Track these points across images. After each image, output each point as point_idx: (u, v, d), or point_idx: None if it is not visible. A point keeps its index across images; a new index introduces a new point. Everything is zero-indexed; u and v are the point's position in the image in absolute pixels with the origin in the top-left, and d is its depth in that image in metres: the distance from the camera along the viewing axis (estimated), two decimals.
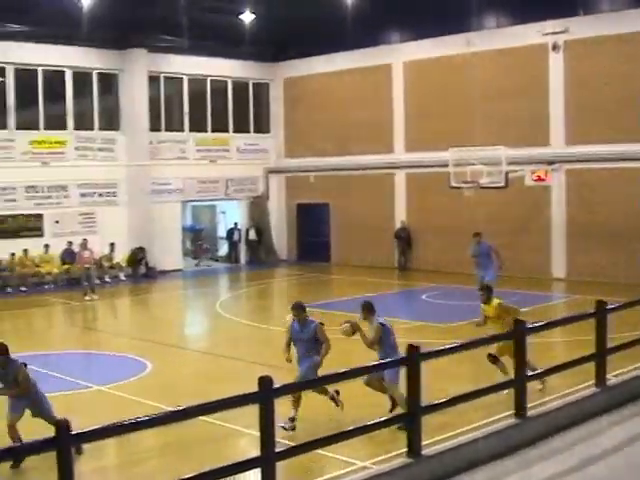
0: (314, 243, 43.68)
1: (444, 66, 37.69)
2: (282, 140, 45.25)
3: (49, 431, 8.52)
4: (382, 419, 12.05)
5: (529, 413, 13.27)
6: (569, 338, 21.28)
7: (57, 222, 37.70)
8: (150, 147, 40.31)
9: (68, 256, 36.37)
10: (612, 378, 15.90)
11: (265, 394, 9.90)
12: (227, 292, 37.71)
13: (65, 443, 8.17)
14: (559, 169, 34.57)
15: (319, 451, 12.22)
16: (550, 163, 34.65)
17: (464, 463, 11.70)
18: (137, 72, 39.63)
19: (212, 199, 44.50)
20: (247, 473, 10.58)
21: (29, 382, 13.80)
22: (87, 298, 32.55)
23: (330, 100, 42.20)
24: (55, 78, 38.15)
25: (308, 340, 15.17)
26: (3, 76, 36.83)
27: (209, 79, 43.04)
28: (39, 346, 24.26)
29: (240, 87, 44.29)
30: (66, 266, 36.51)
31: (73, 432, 8.23)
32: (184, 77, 42.21)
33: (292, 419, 14.64)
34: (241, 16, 38.40)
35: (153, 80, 40.71)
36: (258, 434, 9.98)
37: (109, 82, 40.13)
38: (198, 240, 46.17)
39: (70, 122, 38.54)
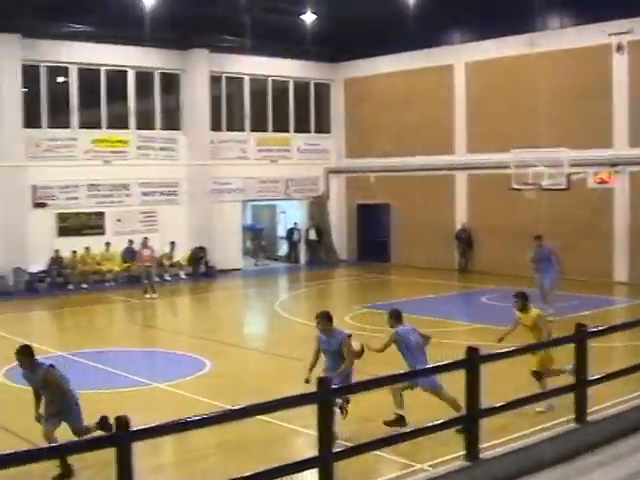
0: (374, 243, 43.59)
1: (507, 67, 37.40)
2: (343, 140, 45.23)
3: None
4: (440, 422, 11.97)
5: (589, 418, 13.11)
6: (630, 343, 21.02)
7: (118, 220, 38.02)
8: (211, 147, 40.51)
9: (129, 254, 36.68)
10: None
11: (324, 394, 9.88)
12: (286, 292, 37.76)
13: (125, 440, 8.20)
14: (622, 171, 34.16)
15: (377, 452, 12.19)
16: (613, 165, 34.24)
17: (522, 468, 11.59)
18: (199, 72, 39.86)
19: (272, 199, 44.58)
20: (304, 473, 10.57)
21: (61, 384, 13.53)
22: (147, 296, 32.79)
23: (391, 100, 42.08)
24: (118, 78, 38.48)
25: (335, 353, 14.42)
26: (66, 76, 37.23)
27: (270, 79, 43.14)
28: (100, 343, 24.50)
29: (301, 87, 44.37)
30: (127, 264, 36.81)
31: (132, 429, 8.27)
32: (245, 77, 42.35)
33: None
34: (302, 16, 38.40)
35: (215, 80, 40.92)
36: (316, 434, 9.97)
37: (171, 82, 40.41)
38: (257, 239, 46.27)
39: (132, 121, 38.87)
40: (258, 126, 42.70)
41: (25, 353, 13.39)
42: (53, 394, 13.34)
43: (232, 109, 42.59)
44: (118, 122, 38.53)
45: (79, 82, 37.40)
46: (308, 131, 44.76)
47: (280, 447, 14.31)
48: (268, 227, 47.94)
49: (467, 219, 39.28)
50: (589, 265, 33.81)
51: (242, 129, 42.32)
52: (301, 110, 44.35)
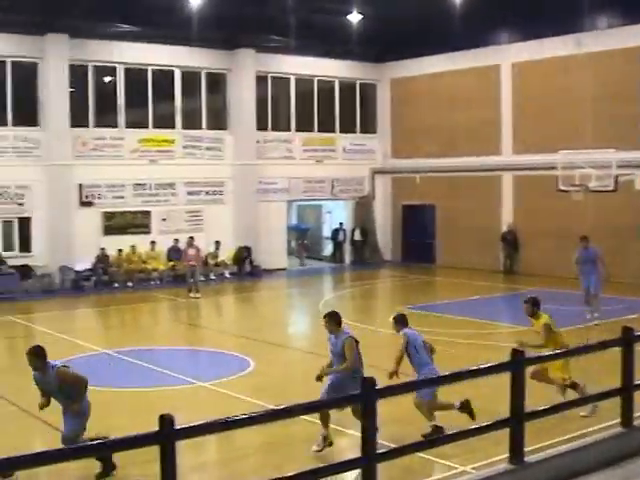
0: (419, 244, 43.44)
1: (553, 67, 37.13)
2: (389, 140, 45.14)
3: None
4: (484, 424, 11.89)
5: (635, 423, 12.96)
6: None
7: (164, 219, 38.20)
8: (257, 146, 40.60)
9: (174, 253, 36.84)
10: None
11: (368, 395, 9.85)
12: (331, 292, 37.71)
13: (169, 438, 8.22)
14: None
15: (420, 454, 12.14)
16: None
17: (567, 472, 11.48)
18: (245, 72, 39.96)
19: (318, 199, 44.59)
20: (347, 473, 10.55)
21: (79, 376, 13.09)
22: (192, 295, 32.89)
23: (437, 101, 41.95)
24: (164, 77, 38.68)
25: (339, 355, 13.98)
26: (114, 75, 37.48)
27: (316, 79, 43.16)
28: (144, 341, 24.63)
29: (347, 87, 44.34)
30: (172, 263, 36.96)
31: (177, 427, 8.28)
32: (291, 77, 42.40)
33: (325, 437, 13.73)
34: (349, 16, 38.33)
35: (261, 80, 40.98)
36: (359, 434, 9.94)
37: (217, 82, 40.55)
38: (302, 239, 46.24)
39: (178, 121, 39.05)
40: (304, 126, 42.74)
41: (36, 354, 12.90)
42: (72, 389, 12.91)
43: (278, 109, 42.64)
44: (164, 122, 38.72)
45: (126, 82, 37.63)
46: (354, 131, 44.72)
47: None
48: (313, 227, 47.93)
49: (513, 220, 39.04)
50: (636, 267, 33.47)
51: (288, 129, 42.37)
52: (347, 110, 44.32)
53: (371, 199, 44.96)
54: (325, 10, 37.64)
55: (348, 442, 14.16)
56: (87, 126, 36.73)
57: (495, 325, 25.67)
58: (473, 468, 12.64)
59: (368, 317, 29.06)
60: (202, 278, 35.54)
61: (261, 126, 40.90)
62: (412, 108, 43.41)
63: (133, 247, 36.62)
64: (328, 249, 46.79)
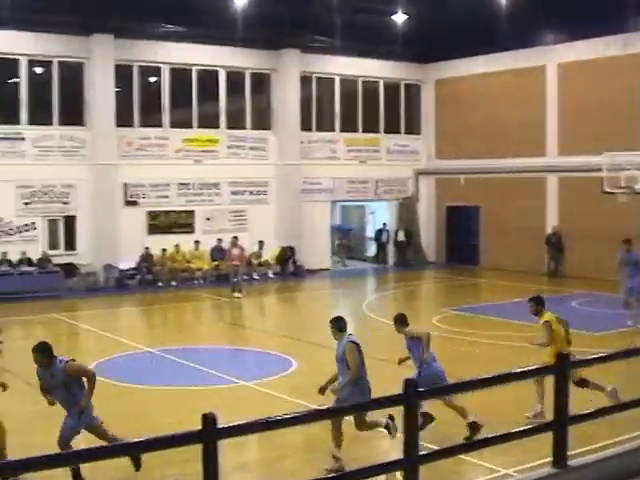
0: (463, 246, 43.24)
1: (600, 68, 36.82)
2: (433, 141, 45.00)
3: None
4: (528, 427, 11.81)
5: None
6: None
7: (208, 219, 38.34)
8: (301, 146, 40.63)
9: (218, 253, 36.96)
10: None
11: (410, 396, 9.80)
12: (374, 293, 37.67)
13: (211, 436, 8.22)
14: None
15: (462, 456, 12.07)
16: None
17: (612, 476, 11.35)
18: (290, 72, 40.01)
19: (361, 199, 44.54)
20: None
21: (86, 367, 13.10)
22: (235, 295, 32.95)
23: (482, 102, 41.73)
24: (209, 77, 38.82)
25: (339, 360, 13.59)
26: (158, 76, 37.67)
27: (360, 80, 43.12)
28: (187, 340, 24.71)
29: (391, 88, 44.24)
30: (215, 263, 37.08)
31: (219, 426, 8.28)
32: (336, 77, 42.39)
33: (337, 459, 13.15)
34: (393, 16, 38.22)
35: (305, 80, 41.02)
36: (401, 436, 9.90)
37: (262, 82, 40.62)
38: (343, 239, 46.14)
39: (223, 121, 39.18)
40: (348, 126, 42.71)
41: (42, 351, 12.63)
42: (77, 383, 12.73)
43: (322, 109, 42.64)
44: (209, 121, 38.86)
45: (171, 82, 37.84)
46: (398, 132, 44.62)
47: (366, 448, 14.25)
48: (357, 227, 47.90)
49: (558, 222, 38.76)
50: None
51: (332, 129, 42.36)
52: (391, 111, 44.22)
53: (415, 200, 44.84)
54: (370, 10, 37.57)
55: (390, 443, 14.12)
56: (132, 126, 36.97)
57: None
58: (515, 471, 12.56)
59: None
60: (245, 278, 35.60)
61: (305, 126, 40.94)
62: (456, 109, 43.24)
63: (177, 246, 36.79)
64: (371, 250, 46.70)
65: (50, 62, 35.44)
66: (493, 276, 38.81)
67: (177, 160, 37.55)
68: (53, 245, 35.26)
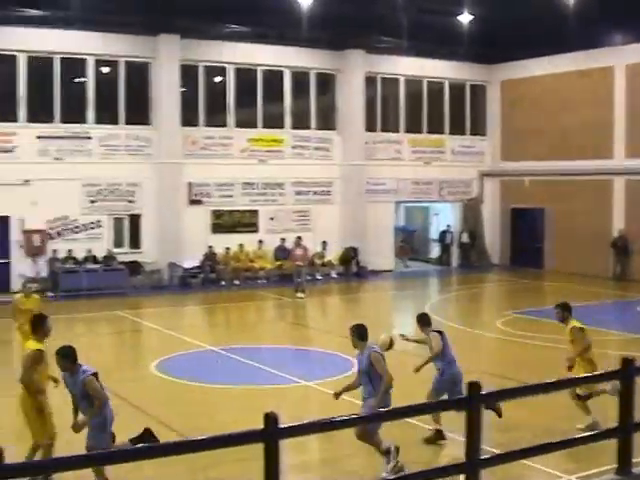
0: (527, 248, 42.81)
1: None
2: (498, 143, 44.64)
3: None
4: (592, 433, 11.63)
5: None
6: None
7: (272, 219, 38.41)
8: (365, 147, 40.54)
9: (281, 252, 37.04)
10: None
11: (472, 400, 9.70)
12: (437, 294, 37.49)
13: (273, 435, 8.20)
14: None
15: (524, 461, 11.92)
16: None
17: None
18: (354, 73, 39.96)
19: (425, 200, 44.35)
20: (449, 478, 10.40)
21: (101, 395, 11.89)
22: (298, 295, 32.95)
23: (548, 103, 41.31)
24: (274, 78, 38.89)
25: (363, 372, 13.01)
26: (224, 75, 37.82)
27: (426, 80, 42.93)
28: (250, 340, 24.76)
29: (457, 88, 43.99)
30: (279, 262, 37.14)
31: (281, 426, 8.25)
32: (401, 78, 42.25)
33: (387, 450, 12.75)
34: (459, 17, 37.95)
35: (370, 80, 40.95)
36: (462, 439, 9.79)
37: (326, 82, 40.61)
38: (406, 241, 45.94)
39: (287, 121, 39.24)
40: (412, 127, 42.55)
41: (63, 355, 11.96)
42: (92, 401, 11.88)
43: (387, 110, 42.53)
44: (273, 121, 38.95)
45: (236, 81, 37.97)
46: (463, 133, 44.37)
47: (425, 450, 14.15)
48: (421, 229, 47.69)
49: (624, 226, 38.24)
50: None
51: (396, 130, 42.22)
52: (456, 112, 43.97)
53: (479, 202, 44.54)
54: (435, 10, 37.33)
55: (451, 446, 14.00)
56: (197, 125, 37.19)
57: (602, 332, 25.10)
58: (578, 478, 12.39)
59: (474, 321, 28.77)
60: (308, 278, 35.59)
61: (370, 127, 40.87)
62: (522, 110, 42.86)
63: (241, 246, 36.92)
64: (435, 251, 46.47)
65: (117, 62, 35.76)
66: (558, 279, 38.39)
67: (242, 160, 37.68)
68: (118, 243, 35.59)
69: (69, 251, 34.08)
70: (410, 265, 43.92)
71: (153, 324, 27.42)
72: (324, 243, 38.76)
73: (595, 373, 13.43)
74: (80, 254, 34.28)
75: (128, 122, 35.95)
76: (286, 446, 8.56)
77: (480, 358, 17.96)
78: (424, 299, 33.98)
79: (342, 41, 39.29)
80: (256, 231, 38.07)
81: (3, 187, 32.76)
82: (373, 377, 12.85)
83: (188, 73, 36.73)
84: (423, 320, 15.31)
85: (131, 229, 35.95)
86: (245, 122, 38.28)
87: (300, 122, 39.62)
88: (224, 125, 37.74)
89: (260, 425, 8.13)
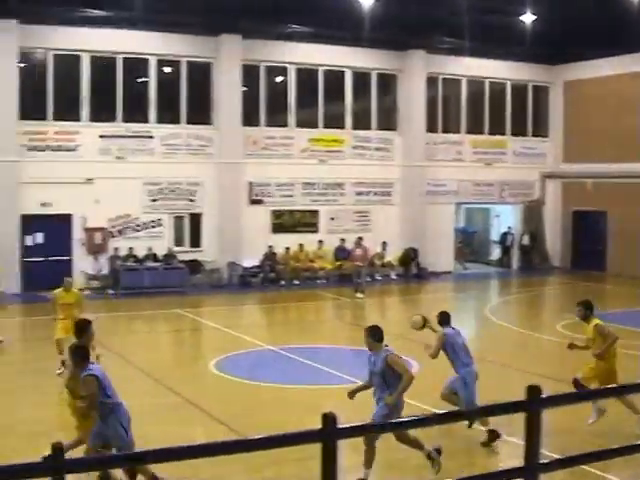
0: (589, 251, 42.32)
1: None
2: (560, 144, 44.18)
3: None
4: None
5: None
6: None
7: (332, 219, 38.40)
8: (426, 148, 40.38)
9: (341, 253, 37.02)
10: None
11: (533, 403, 9.57)
12: (497, 296, 37.27)
13: (331, 436, 8.15)
14: None
15: (585, 467, 11.76)
16: None
17: None
18: (416, 73, 39.82)
19: (486, 202, 44.06)
20: None
21: (93, 397, 11.50)
22: (358, 295, 32.89)
23: (612, 104, 40.77)
24: (335, 78, 38.87)
25: (378, 374, 12.87)
26: (285, 75, 37.88)
27: (487, 81, 42.66)
28: (308, 339, 24.74)
29: (519, 89, 43.64)
30: (339, 263, 37.12)
31: (339, 426, 8.20)
32: (462, 79, 42.03)
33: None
34: (522, 17, 37.57)
35: (431, 81, 40.77)
36: (520, 442, 9.67)
37: (387, 83, 40.50)
38: (466, 243, 45.60)
39: (348, 121, 39.20)
40: (474, 128, 42.31)
41: (73, 352, 11.90)
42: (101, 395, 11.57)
43: (448, 110, 42.32)
44: (334, 121, 38.93)
45: (297, 81, 38.01)
46: (525, 134, 44.00)
47: (485, 454, 14.02)
48: (481, 230, 47.39)
49: None
50: None
51: (457, 131, 42.00)
52: (518, 112, 43.62)
53: (541, 204, 44.15)
54: (497, 11, 36.98)
55: (510, 450, 13.86)
56: (258, 125, 37.30)
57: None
58: None
59: (534, 324, 28.53)
60: (368, 279, 35.53)
61: (431, 128, 40.69)
62: (586, 111, 42.36)
63: (301, 245, 36.97)
64: (495, 253, 46.13)
65: (178, 62, 35.99)
66: (620, 283, 37.95)
67: (302, 160, 37.73)
68: (178, 241, 35.82)
69: (130, 249, 34.37)
70: (468, 267, 43.60)
71: (212, 323, 27.54)
72: (384, 244, 38.66)
73: None
74: (141, 252, 34.55)
75: (189, 122, 36.18)
76: (344, 446, 8.50)
77: (540, 361, 17.78)
78: (484, 301, 33.78)
79: (403, 41, 39.15)
80: (316, 231, 38.10)
81: (66, 185, 33.17)
82: (389, 378, 12.78)
83: (249, 73, 36.86)
84: (439, 318, 15.45)
85: (191, 228, 36.18)
86: (306, 122, 38.33)
87: (361, 122, 39.57)
88: (285, 125, 37.82)
89: (317, 425, 8.09)
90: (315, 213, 38.22)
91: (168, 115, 36.00)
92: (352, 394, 13.36)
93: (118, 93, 34.93)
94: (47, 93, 33.87)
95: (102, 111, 34.89)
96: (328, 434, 8.12)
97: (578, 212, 43.05)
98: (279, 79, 38.30)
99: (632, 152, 39.42)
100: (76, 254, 34.09)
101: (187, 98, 36.15)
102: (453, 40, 39.52)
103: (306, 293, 34.46)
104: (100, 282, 34.00)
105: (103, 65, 34.86)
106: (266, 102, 37.60)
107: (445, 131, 41.67)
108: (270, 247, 36.43)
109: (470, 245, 45.96)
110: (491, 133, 42.81)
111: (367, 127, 39.70)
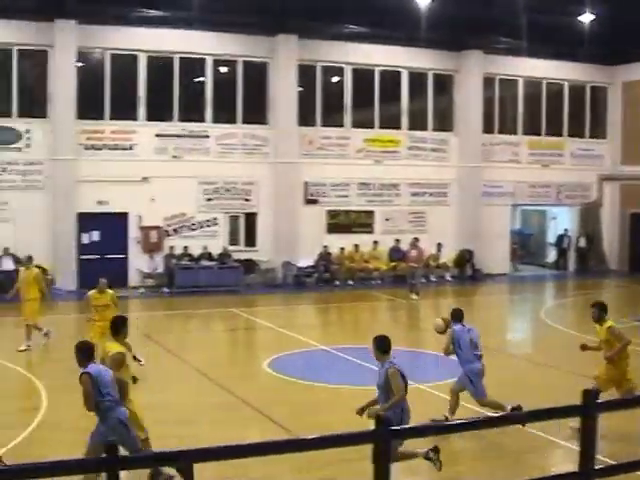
0: None
1: None
2: (619, 146, 43.71)
3: None
4: None
5: None
6: None
7: (387, 220, 38.34)
8: (482, 149, 40.16)
9: (396, 253, 36.93)
10: None
11: (588, 408, 9.48)
12: (553, 299, 36.95)
13: (383, 437, 8.14)
14: None
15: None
16: None
17: None
18: (472, 74, 39.63)
19: (543, 204, 43.70)
20: None
21: (87, 395, 11.32)
22: (412, 297, 32.78)
23: None
24: (391, 78, 38.80)
25: (381, 387, 12.43)
26: (341, 75, 37.88)
27: (545, 82, 42.32)
28: (362, 340, 24.67)
29: (576, 90, 43.24)
30: (393, 263, 37.04)
31: (391, 427, 8.19)
32: (519, 79, 41.75)
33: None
34: (580, 17, 37.22)
35: (488, 82, 40.54)
36: (575, 448, 9.58)
37: (444, 83, 40.35)
38: (522, 245, 45.27)
39: (404, 122, 39.10)
40: (530, 129, 42.00)
41: (77, 349, 11.69)
42: (101, 392, 11.40)
43: (505, 111, 42.05)
44: (390, 122, 38.86)
45: (353, 82, 37.99)
46: (582, 136, 43.59)
47: (538, 458, 13.89)
48: (537, 232, 47.03)
49: None
50: None
51: (514, 132, 41.72)
52: (575, 114, 43.22)
53: (598, 206, 43.72)
54: (555, 11, 36.67)
55: (564, 455, 13.73)
56: (314, 125, 37.35)
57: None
58: None
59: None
60: (423, 280, 35.41)
61: (487, 129, 40.46)
62: None
63: (356, 246, 36.96)
64: (551, 255, 45.74)
65: (235, 62, 36.14)
66: None
67: (358, 160, 37.71)
68: (233, 241, 35.98)
69: (185, 248, 34.58)
70: (520, 269, 43.22)
71: (266, 322, 27.59)
72: (439, 245, 38.50)
73: None
74: (196, 251, 34.74)
75: (245, 121, 36.31)
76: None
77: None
78: (539, 304, 33.52)
79: (460, 41, 38.99)
80: (371, 232, 38.07)
81: (122, 184, 33.45)
82: (389, 392, 12.32)
83: (306, 73, 36.92)
84: (452, 314, 15.81)
85: (247, 227, 36.32)
86: (362, 122, 38.31)
87: (417, 123, 39.45)
88: (341, 125, 37.82)
89: (370, 426, 8.08)
90: (370, 214, 38.18)
91: (224, 115, 36.16)
92: (361, 411, 12.63)
93: (174, 92, 35.18)
94: (104, 92, 34.20)
95: (158, 110, 35.16)
96: (381, 436, 8.11)
97: (636, 214, 42.58)
98: (335, 79, 38.31)
99: None
100: (132, 252, 34.39)
101: (243, 98, 36.29)
102: (510, 40, 39.27)
103: (360, 294, 34.43)
104: (155, 280, 34.23)
105: (160, 65, 35.15)
106: (322, 102, 37.64)
107: (501, 132, 41.41)
108: (325, 247, 36.46)
109: (526, 247, 45.66)
110: (548, 134, 42.46)
111: (423, 128, 39.58)
